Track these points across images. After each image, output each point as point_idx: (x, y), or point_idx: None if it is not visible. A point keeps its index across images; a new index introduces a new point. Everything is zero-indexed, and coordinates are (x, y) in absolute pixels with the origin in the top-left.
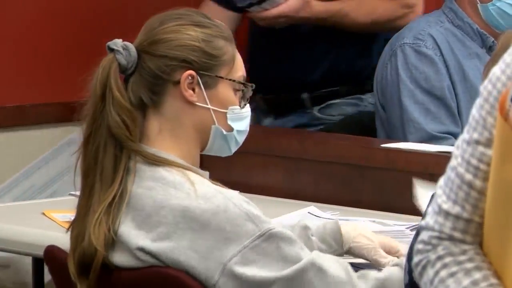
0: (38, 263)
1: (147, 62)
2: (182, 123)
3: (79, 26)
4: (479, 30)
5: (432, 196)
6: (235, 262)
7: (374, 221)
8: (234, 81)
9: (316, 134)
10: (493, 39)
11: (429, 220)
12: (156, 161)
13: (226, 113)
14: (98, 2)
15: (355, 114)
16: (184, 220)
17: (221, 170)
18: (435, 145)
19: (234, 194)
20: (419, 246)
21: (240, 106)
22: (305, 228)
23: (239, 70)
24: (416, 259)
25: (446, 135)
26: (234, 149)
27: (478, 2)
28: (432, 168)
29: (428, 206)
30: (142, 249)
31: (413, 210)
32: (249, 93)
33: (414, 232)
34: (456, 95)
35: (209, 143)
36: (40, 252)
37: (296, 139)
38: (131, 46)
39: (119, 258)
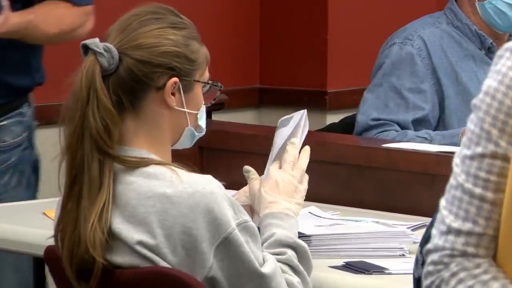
0: (38, 263)
1: (129, 65)
2: (159, 126)
3: None
4: (478, 31)
5: (432, 222)
6: (233, 236)
7: (378, 222)
8: (208, 83)
9: (316, 134)
10: (491, 40)
11: (437, 241)
12: (135, 163)
13: (197, 114)
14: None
15: (355, 114)
16: (173, 206)
17: (221, 170)
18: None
19: (213, 179)
20: (429, 268)
21: (207, 104)
22: None
23: (206, 70)
24: (427, 281)
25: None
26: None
27: (476, 0)
28: (433, 168)
29: (426, 232)
30: (141, 243)
31: (414, 210)
32: (218, 92)
33: (415, 232)
34: (446, 97)
35: (178, 142)
36: (41, 252)
37: None
38: (113, 49)
39: (120, 259)
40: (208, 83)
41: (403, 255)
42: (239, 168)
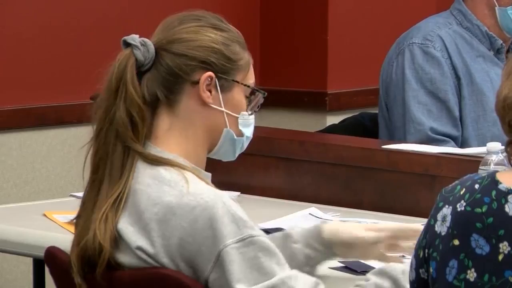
0: (38, 264)
1: (165, 59)
2: (194, 123)
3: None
4: (488, 32)
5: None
6: (224, 253)
7: (378, 223)
8: (248, 86)
9: (317, 136)
10: (501, 41)
11: None
12: (157, 161)
13: (237, 117)
14: (109, 3)
15: (355, 116)
16: (175, 218)
17: (222, 171)
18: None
19: (225, 194)
20: None
21: (248, 112)
22: (286, 237)
23: (251, 77)
24: None
25: (445, 138)
26: (237, 154)
27: (497, 5)
28: (433, 169)
29: (422, 236)
30: (140, 249)
31: (414, 210)
32: (261, 100)
33: None
34: (462, 98)
35: (217, 146)
36: (41, 253)
37: (297, 141)
38: (149, 43)
39: (123, 258)
40: (249, 86)
41: (403, 256)
42: (240, 170)
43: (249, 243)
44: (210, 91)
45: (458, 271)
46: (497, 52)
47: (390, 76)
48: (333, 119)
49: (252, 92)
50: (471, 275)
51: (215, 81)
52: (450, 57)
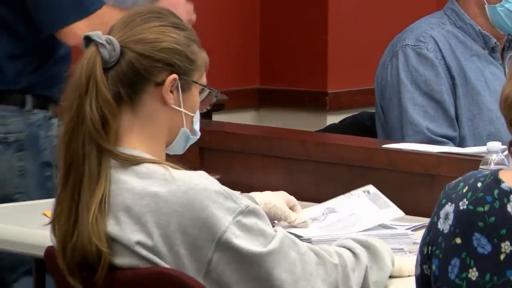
0: (39, 263)
1: (130, 59)
2: (155, 123)
3: None
4: (482, 31)
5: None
6: (227, 235)
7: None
8: (206, 87)
9: (317, 135)
10: (495, 40)
11: None
12: (129, 160)
13: (193, 117)
14: None
15: (355, 115)
16: (168, 205)
17: (221, 170)
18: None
19: (205, 174)
20: None
21: (202, 109)
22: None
23: (204, 75)
24: None
25: (444, 139)
26: (185, 149)
27: (486, 3)
28: (433, 168)
29: (426, 233)
30: (139, 243)
31: (414, 210)
32: (214, 99)
33: (415, 233)
34: (457, 97)
35: (173, 143)
36: (41, 253)
37: (297, 140)
38: (115, 41)
39: (118, 260)
40: (206, 87)
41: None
42: (239, 169)
43: (248, 213)
44: (172, 92)
45: (460, 269)
46: (492, 50)
47: (385, 79)
48: (333, 119)
49: (202, 90)
50: (473, 274)
51: (177, 83)
52: (443, 57)
